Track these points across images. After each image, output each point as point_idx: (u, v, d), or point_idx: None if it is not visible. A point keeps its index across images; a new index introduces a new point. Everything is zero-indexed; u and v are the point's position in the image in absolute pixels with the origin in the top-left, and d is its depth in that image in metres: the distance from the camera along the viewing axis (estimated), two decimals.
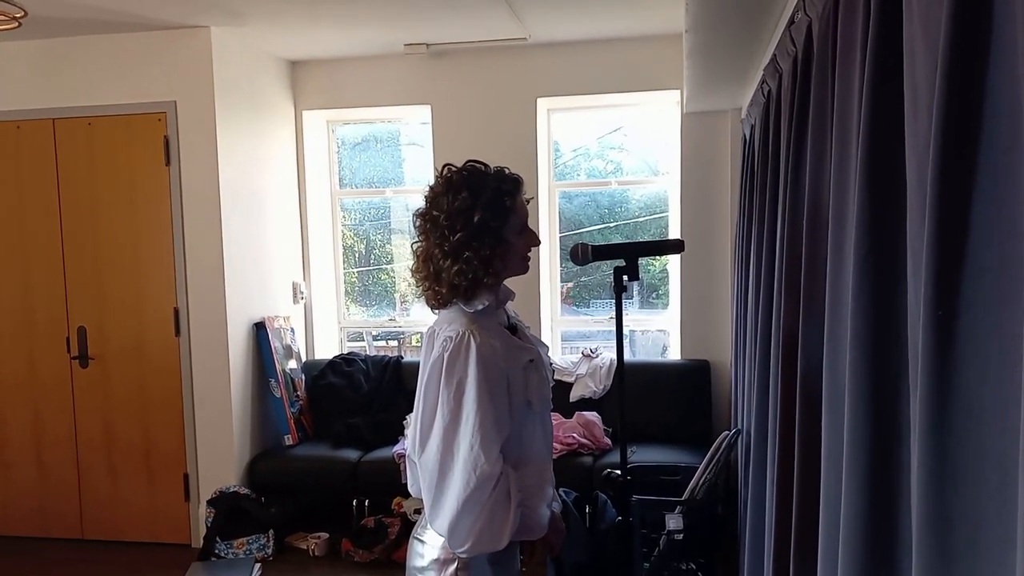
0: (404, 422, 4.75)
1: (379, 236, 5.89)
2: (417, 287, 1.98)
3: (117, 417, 4.64)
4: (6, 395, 4.75)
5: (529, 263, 2.00)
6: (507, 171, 1.94)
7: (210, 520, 4.41)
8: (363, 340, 5.82)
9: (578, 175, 5.55)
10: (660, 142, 5.26)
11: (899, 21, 1.13)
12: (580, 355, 5.00)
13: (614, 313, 2.18)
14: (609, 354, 4.93)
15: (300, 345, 5.26)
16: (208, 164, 4.44)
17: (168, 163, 4.49)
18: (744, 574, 3.00)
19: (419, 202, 1.97)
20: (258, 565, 4.19)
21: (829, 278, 1.51)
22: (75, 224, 4.60)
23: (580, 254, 2.18)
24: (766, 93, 2.93)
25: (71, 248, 4.61)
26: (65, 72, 4.53)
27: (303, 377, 5.08)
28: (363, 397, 4.96)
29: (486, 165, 1.93)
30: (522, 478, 1.90)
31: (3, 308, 4.72)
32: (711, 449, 3.66)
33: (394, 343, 5.88)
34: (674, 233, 5.08)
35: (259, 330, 4.81)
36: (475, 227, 1.84)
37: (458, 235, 1.84)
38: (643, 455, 4.11)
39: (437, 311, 1.98)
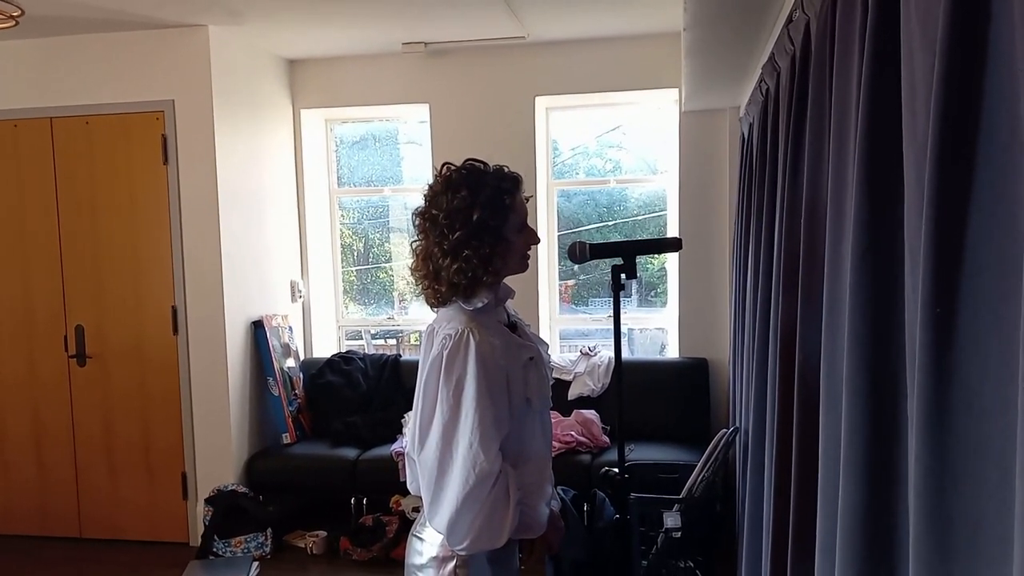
0: (402, 420, 4.75)
1: (377, 235, 5.89)
2: (416, 285, 1.98)
3: (115, 416, 4.63)
4: (4, 394, 4.75)
5: (529, 262, 2.00)
6: (506, 169, 1.94)
7: (208, 518, 4.41)
8: (362, 338, 5.82)
9: (577, 173, 5.55)
10: (658, 140, 5.26)
11: (897, 19, 1.13)
12: (578, 353, 5.00)
13: (612, 311, 2.18)
14: (607, 352, 4.93)
15: (298, 344, 5.26)
16: (206, 163, 4.44)
17: (166, 162, 4.48)
18: (742, 572, 3.00)
19: (418, 201, 1.97)
20: (256, 563, 4.19)
21: (827, 276, 1.51)
22: (73, 223, 4.59)
23: (578, 252, 2.18)
24: (764, 91, 2.93)
25: (69, 247, 4.61)
26: (63, 71, 4.52)
27: (301, 376, 5.08)
28: (361, 395, 4.96)
29: (485, 164, 1.93)
30: (521, 476, 1.90)
31: (1, 307, 4.72)
32: (709, 447, 3.66)
33: (392, 341, 5.88)
34: (673, 231, 5.08)
35: (257, 328, 4.81)
36: (474, 225, 1.84)
37: (457, 233, 1.84)
38: (641, 453, 4.11)
39: (436, 309, 1.98)
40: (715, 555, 3.70)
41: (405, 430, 4.66)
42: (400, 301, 5.78)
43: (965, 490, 0.87)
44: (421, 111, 5.23)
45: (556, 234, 5.32)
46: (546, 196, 5.22)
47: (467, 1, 4.06)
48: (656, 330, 5.44)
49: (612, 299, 2.17)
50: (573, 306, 5.52)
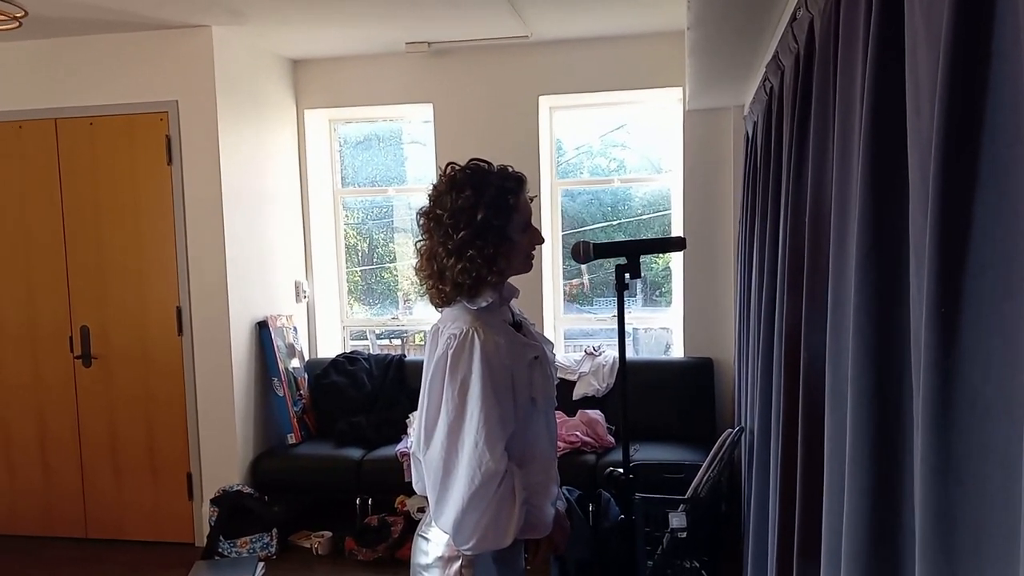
0: (407, 420, 4.75)
1: (382, 235, 5.90)
2: (421, 285, 1.98)
3: (120, 416, 4.64)
4: (10, 395, 4.76)
5: (533, 261, 2.00)
6: (510, 169, 1.94)
7: (214, 519, 4.42)
8: (366, 338, 5.82)
9: (581, 173, 5.55)
10: (663, 139, 5.26)
11: (901, 16, 1.13)
12: (583, 353, 5.00)
13: (617, 311, 2.18)
14: (612, 352, 4.93)
15: (303, 344, 5.26)
16: (210, 163, 4.44)
17: (170, 162, 4.49)
18: (748, 572, 3.00)
19: (422, 201, 1.97)
20: (261, 564, 4.19)
21: (832, 275, 1.50)
22: (77, 224, 4.60)
23: (581, 252, 2.18)
24: (768, 90, 2.93)
25: (73, 248, 4.62)
26: (66, 72, 4.53)
27: (306, 376, 5.08)
28: (366, 396, 4.97)
29: (489, 163, 1.93)
30: (527, 475, 1.90)
31: (6, 308, 4.73)
32: (715, 447, 3.65)
33: (397, 341, 5.88)
34: (677, 230, 5.07)
35: (262, 329, 4.81)
36: (478, 225, 1.84)
37: (462, 233, 1.84)
38: (646, 453, 4.11)
39: (441, 309, 1.98)
40: (721, 555, 3.70)
41: (410, 430, 4.66)
42: (404, 301, 5.78)
43: (970, 488, 0.87)
44: (425, 111, 5.23)
45: (560, 234, 5.32)
46: (550, 195, 5.22)
47: (470, 1, 4.06)
48: (661, 330, 5.43)
49: (616, 299, 2.17)
50: (577, 305, 5.52)
